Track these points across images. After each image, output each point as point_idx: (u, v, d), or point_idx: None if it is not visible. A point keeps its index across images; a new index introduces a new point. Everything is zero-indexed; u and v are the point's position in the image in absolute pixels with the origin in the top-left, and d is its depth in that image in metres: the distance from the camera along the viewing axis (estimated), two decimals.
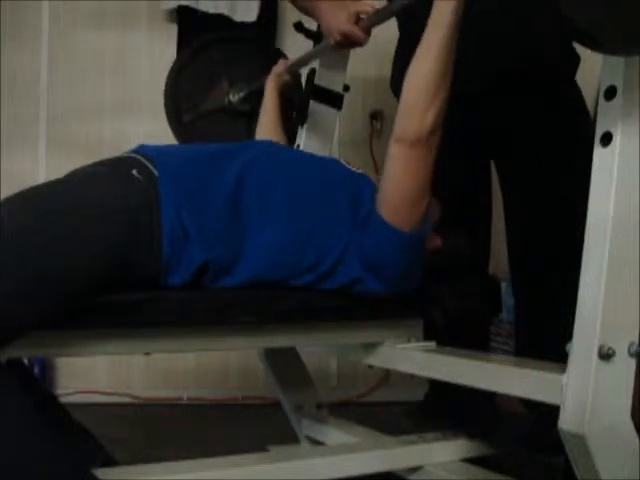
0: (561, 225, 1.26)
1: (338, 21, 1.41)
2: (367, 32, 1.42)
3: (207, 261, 1.10)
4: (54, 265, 0.98)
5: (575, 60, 1.60)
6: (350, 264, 1.20)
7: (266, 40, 1.99)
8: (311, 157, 1.39)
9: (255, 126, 1.67)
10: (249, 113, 1.80)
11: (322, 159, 1.41)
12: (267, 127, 1.63)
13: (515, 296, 1.72)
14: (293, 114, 1.74)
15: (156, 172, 1.10)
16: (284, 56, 1.86)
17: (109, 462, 1.23)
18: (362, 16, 1.40)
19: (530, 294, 1.64)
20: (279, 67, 1.68)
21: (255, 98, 1.76)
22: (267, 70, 1.71)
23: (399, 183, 1.16)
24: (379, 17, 1.40)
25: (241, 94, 1.84)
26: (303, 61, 1.70)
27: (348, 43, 1.45)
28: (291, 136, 1.72)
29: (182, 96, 1.86)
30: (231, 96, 1.85)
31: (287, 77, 1.68)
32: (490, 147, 1.67)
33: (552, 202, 1.54)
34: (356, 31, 1.40)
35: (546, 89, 1.55)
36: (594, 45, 0.85)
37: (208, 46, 1.88)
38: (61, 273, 0.98)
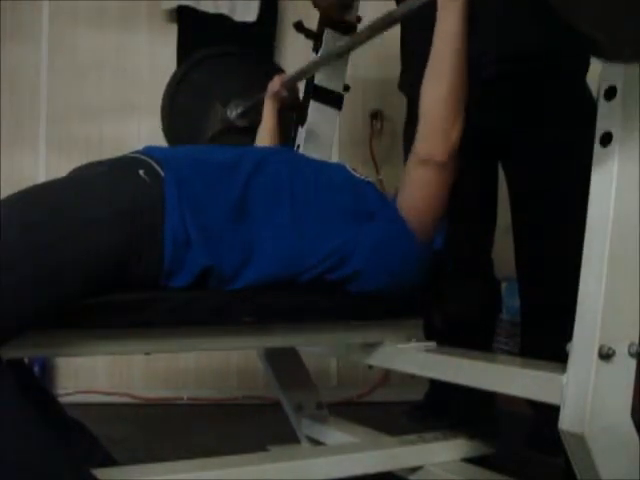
0: (569, 225, 1.27)
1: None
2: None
3: (210, 266, 1.10)
4: (55, 263, 0.97)
5: (586, 60, 1.60)
6: (354, 256, 1.20)
7: (255, 51, 1.98)
8: (317, 161, 1.40)
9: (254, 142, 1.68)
10: (248, 129, 1.80)
11: (328, 163, 1.42)
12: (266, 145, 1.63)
13: (522, 296, 1.71)
14: (292, 132, 1.74)
15: (162, 173, 1.09)
16: (279, 69, 1.86)
17: (109, 462, 1.23)
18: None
19: (539, 294, 1.64)
20: (275, 84, 1.65)
21: (253, 112, 1.76)
22: (262, 84, 1.70)
23: (427, 199, 1.16)
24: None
25: (238, 110, 1.83)
26: (299, 75, 1.69)
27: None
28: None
29: (180, 130, 1.85)
30: (228, 113, 1.84)
31: (284, 93, 1.67)
32: (497, 147, 1.67)
33: (560, 202, 1.54)
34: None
35: (556, 90, 1.55)
36: (595, 51, 0.85)
37: (195, 68, 1.88)
38: (62, 271, 0.98)
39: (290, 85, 1.68)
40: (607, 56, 0.87)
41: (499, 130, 1.62)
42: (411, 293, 1.26)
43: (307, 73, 1.69)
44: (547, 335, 1.42)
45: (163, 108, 1.87)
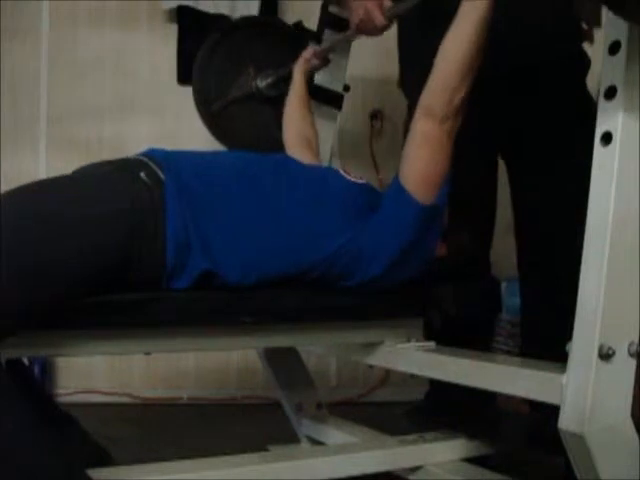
0: (572, 225, 1.28)
1: (366, 0, 1.49)
2: (388, 19, 1.49)
3: (211, 270, 1.10)
4: (53, 261, 0.97)
5: (586, 62, 1.60)
6: (360, 249, 1.20)
7: (293, 25, 1.99)
8: (314, 166, 1.42)
9: (282, 111, 1.68)
10: (276, 99, 1.80)
11: (323, 168, 1.45)
12: (295, 111, 1.65)
13: (523, 295, 1.71)
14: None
15: (163, 177, 1.09)
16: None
17: (107, 461, 1.22)
18: (385, 5, 1.48)
19: (540, 294, 1.64)
20: (308, 52, 1.70)
21: (283, 84, 1.77)
22: (295, 56, 1.73)
23: (424, 157, 1.19)
24: (400, 8, 1.47)
25: (268, 80, 1.85)
26: (332, 46, 1.73)
27: (369, 25, 1.50)
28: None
29: (209, 86, 1.87)
30: (258, 82, 1.85)
31: (316, 62, 1.71)
32: (500, 147, 1.67)
33: (563, 202, 1.54)
34: (378, 13, 1.47)
35: (557, 90, 1.55)
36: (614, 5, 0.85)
37: (232, 32, 1.89)
38: (60, 270, 0.98)
39: (322, 55, 1.72)
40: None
41: (501, 129, 1.62)
42: (425, 259, 1.26)
43: (339, 44, 1.73)
44: (548, 334, 1.42)
45: (199, 60, 1.88)
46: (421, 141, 1.19)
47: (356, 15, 1.52)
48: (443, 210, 1.26)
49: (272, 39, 1.91)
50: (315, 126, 1.67)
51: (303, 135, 1.61)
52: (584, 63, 1.61)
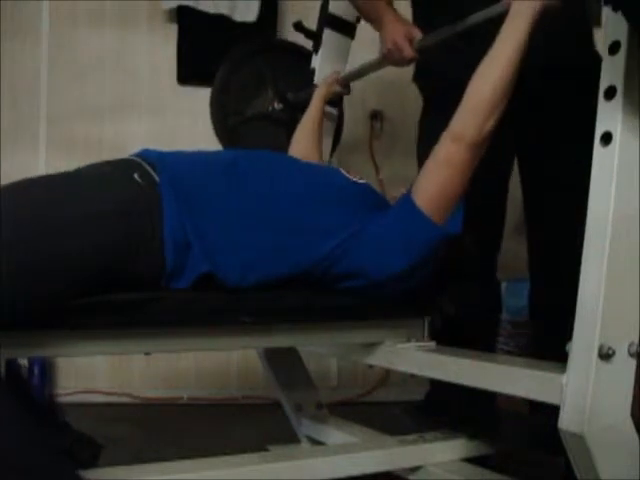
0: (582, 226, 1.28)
1: (395, 32, 1.52)
2: (416, 51, 1.52)
3: (211, 270, 1.10)
4: (52, 257, 0.97)
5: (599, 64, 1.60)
6: (359, 248, 1.20)
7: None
8: (313, 164, 1.41)
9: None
10: (290, 122, 1.82)
11: (323, 166, 1.44)
12: (307, 133, 1.66)
13: (531, 295, 1.70)
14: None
15: (157, 178, 1.09)
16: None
17: (96, 456, 1.22)
18: (415, 37, 1.51)
19: (551, 294, 1.63)
20: (331, 77, 1.73)
21: (298, 108, 1.79)
22: (312, 80, 1.78)
23: (442, 176, 1.18)
24: (429, 40, 1.50)
25: (287, 101, 1.88)
26: (356, 74, 1.75)
27: (397, 55, 1.53)
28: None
29: (229, 101, 1.88)
30: (275, 104, 1.87)
31: (338, 88, 1.74)
32: (515, 147, 1.66)
33: (576, 201, 1.53)
34: (407, 45, 1.51)
35: (572, 92, 1.54)
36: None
37: (257, 53, 1.92)
38: (59, 266, 0.97)
39: (344, 82, 1.75)
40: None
41: (516, 131, 1.61)
42: (424, 277, 1.25)
43: (365, 72, 1.74)
44: (556, 335, 1.42)
45: (220, 77, 1.90)
46: (443, 161, 1.18)
47: (385, 46, 1.55)
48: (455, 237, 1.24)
49: (296, 64, 1.93)
50: (321, 154, 1.68)
51: (307, 157, 1.60)
52: (597, 65, 1.60)
